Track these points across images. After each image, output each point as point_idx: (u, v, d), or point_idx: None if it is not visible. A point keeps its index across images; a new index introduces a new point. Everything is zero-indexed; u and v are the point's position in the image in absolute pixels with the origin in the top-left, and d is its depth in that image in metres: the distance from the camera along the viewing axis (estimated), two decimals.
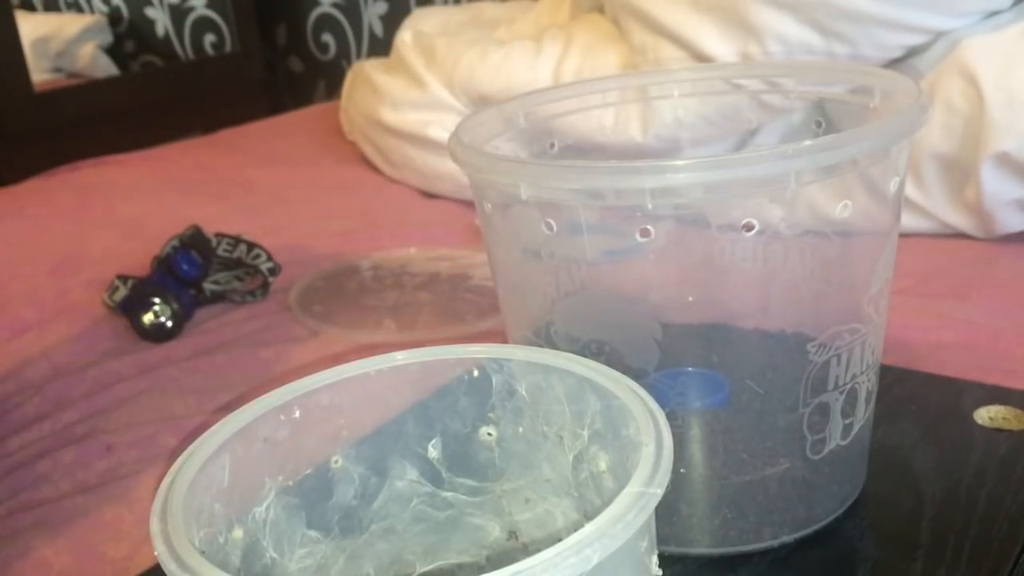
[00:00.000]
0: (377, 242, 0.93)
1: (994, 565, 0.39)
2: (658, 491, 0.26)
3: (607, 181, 0.35)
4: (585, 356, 0.38)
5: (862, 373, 0.41)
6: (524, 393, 0.35)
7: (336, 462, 0.36)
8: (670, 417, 0.39)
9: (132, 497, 0.55)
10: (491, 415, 0.36)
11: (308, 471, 0.35)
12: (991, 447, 0.46)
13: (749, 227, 0.37)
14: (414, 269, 0.87)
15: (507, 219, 0.41)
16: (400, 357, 0.36)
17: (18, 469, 0.59)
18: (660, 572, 0.28)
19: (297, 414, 0.34)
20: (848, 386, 0.40)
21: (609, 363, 0.38)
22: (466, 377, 0.36)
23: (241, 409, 0.33)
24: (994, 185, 0.74)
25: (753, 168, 0.34)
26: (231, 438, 0.32)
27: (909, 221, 0.80)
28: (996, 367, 0.58)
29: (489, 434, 0.36)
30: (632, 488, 0.26)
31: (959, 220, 0.79)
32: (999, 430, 0.47)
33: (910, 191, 0.79)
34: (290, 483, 0.34)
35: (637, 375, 0.38)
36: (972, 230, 0.79)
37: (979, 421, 0.48)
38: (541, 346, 0.41)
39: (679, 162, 0.34)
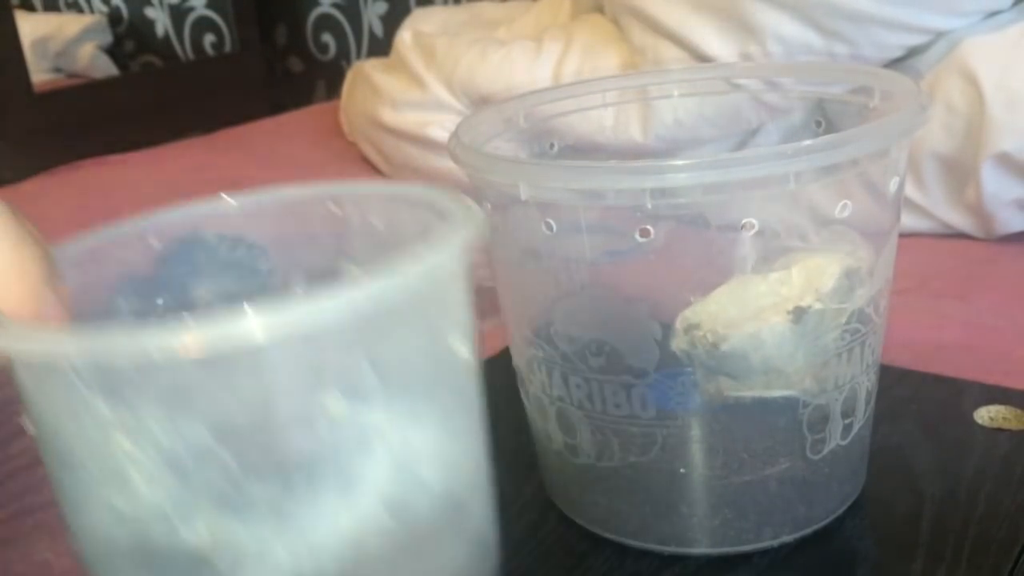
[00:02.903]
0: None
1: (994, 565, 0.38)
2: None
3: (607, 181, 0.35)
4: (585, 356, 0.39)
5: (862, 373, 0.40)
6: (381, 228, 0.34)
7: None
8: (670, 417, 0.39)
9: None
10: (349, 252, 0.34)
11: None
12: (991, 447, 0.46)
13: (749, 227, 0.36)
14: None
15: (507, 219, 0.41)
16: (256, 196, 0.35)
17: (19, 473, 0.58)
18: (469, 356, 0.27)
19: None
20: (848, 386, 0.40)
21: (609, 363, 0.38)
22: (323, 213, 0.35)
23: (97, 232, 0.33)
24: (994, 185, 0.74)
25: (753, 168, 0.34)
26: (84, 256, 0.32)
27: (909, 221, 0.80)
28: (996, 367, 0.58)
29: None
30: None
31: (959, 220, 0.79)
32: (999, 430, 0.47)
33: (910, 191, 0.79)
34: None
35: (637, 375, 0.38)
36: (972, 230, 0.79)
37: (979, 421, 0.48)
38: (542, 347, 0.41)
39: (679, 162, 0.34)
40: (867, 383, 0.41)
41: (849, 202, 0.37)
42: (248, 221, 0.36)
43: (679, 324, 0.38)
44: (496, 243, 0.43)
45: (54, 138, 1.60)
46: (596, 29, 0.96)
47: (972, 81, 0.74)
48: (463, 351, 0.28)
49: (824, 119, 0.50)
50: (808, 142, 0.34)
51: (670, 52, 0.84)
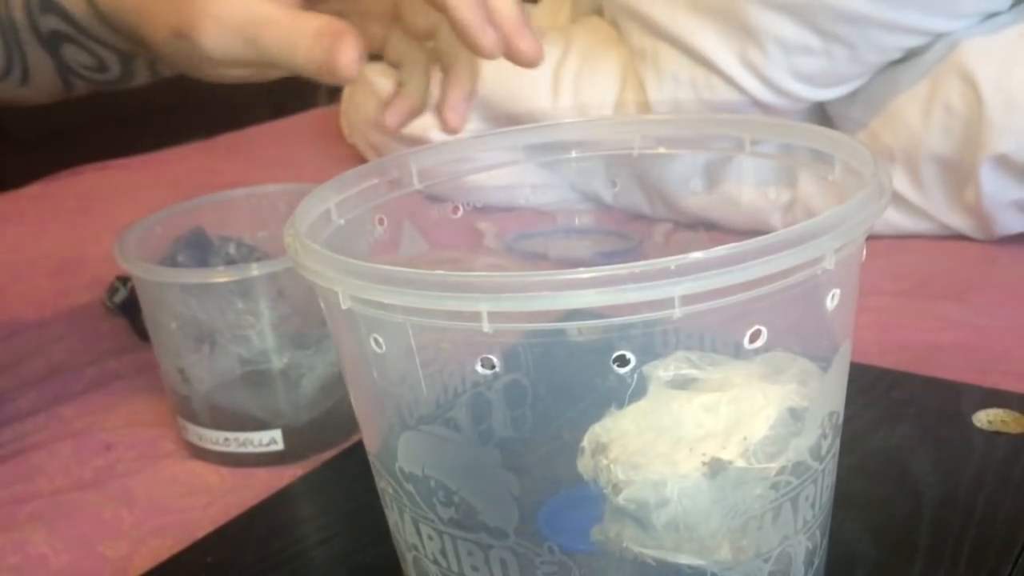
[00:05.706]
0: None
1: (992, 568, 0.39)
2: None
3: (435, 299, 0.27)
4: (434, 504, 0.32)
5: (797, 533, 0.32)
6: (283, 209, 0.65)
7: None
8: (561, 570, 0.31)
9: (131, 496, 0.55)
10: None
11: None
12: (990, 450, 0.46)
13: (623, 361, 0.28)
14: None
15: (339, 327, 0.34)
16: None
17: (11, 459, 0.58)
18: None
19: None
20: (775, 553, 0.31)
21: (461, 516, 0.32)
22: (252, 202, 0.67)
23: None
24: (993, 187, 0.74)
25: (620, 290, 0.25)
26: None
27: (908, 222, 0.80)
28: (995, 369, 0.58)
29: None
30: None
31: (958, 221, 0.79)
32: (998, 433, 0.47)
33: (909, 192, 0.79)
34: None
35: (495, 535, 0.31)
36: (971, 231, 0.79)
37: (978, 424, 0.48)
38: (390, 482, 0.34)
39: (525, 277, 0.26)
40: (806, 543, 0.33)
41: (763, 328, 0.28)
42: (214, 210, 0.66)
43: (587, 441, 0.31)
44: (339, 342, 0.35)
45: (56, 142, 1.61)
46: (595, 32, 0.96)
47: (971, 83, 0.74)
48: None
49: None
50: (699, 254, 0.25)
51: (670, 54, 0.84)
